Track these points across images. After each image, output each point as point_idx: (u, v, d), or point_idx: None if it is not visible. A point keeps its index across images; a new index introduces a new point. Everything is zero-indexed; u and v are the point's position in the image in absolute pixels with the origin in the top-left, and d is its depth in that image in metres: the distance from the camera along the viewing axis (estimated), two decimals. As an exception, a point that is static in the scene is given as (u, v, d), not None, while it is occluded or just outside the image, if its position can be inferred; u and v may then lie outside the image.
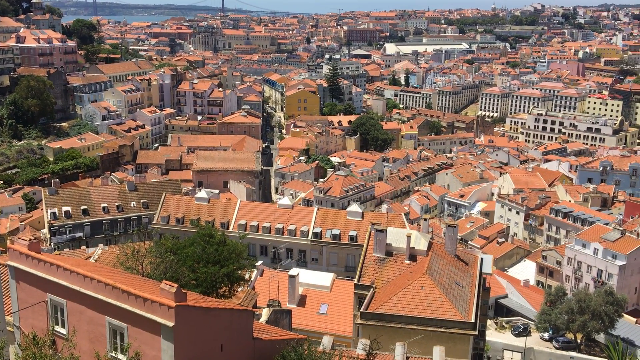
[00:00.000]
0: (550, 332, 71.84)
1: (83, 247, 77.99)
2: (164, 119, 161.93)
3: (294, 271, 52.79)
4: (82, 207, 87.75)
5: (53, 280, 23.44)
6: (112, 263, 41.94)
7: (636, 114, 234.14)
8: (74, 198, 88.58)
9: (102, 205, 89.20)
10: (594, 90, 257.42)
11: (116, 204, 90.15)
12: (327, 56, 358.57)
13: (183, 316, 20.76)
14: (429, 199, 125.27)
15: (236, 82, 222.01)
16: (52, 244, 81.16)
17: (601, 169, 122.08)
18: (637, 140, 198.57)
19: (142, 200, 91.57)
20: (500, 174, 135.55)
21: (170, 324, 20.41)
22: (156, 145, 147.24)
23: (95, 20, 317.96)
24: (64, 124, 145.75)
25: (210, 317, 23.11)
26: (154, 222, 80.00)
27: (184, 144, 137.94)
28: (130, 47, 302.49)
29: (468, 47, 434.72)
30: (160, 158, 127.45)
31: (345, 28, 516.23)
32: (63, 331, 23.71)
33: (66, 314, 23.50)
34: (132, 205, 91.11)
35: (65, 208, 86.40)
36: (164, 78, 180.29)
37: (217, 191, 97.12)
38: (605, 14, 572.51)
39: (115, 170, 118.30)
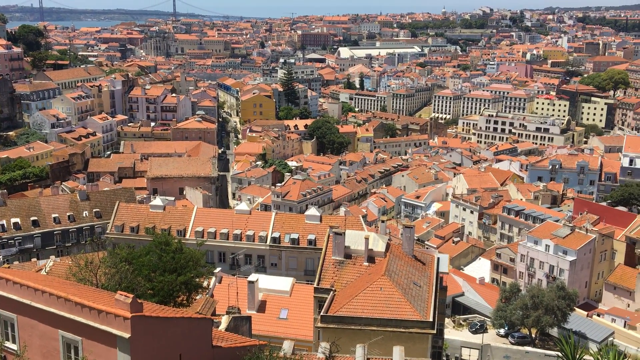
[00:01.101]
0: (506, 328, 73.57)
1: (34, 260, 75.47)
2: (115, 126, 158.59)
3: (253, 277, 52.45)
4: (32, 218, 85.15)
5: (2, 294, 22.64)
6: (64, 275, 40.76)
7: (582, 113, 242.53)
8: (23, 209, 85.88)
9: (53, 215, 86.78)
10: (542, 91, 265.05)
11: (67, 214, 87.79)
12: (281, 60, 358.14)
13: (139, 327, 20.33)
14: (385, 201, 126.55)
15: (190, 88, 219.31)
16: (0, 257, 78.37)
17: (550, 167, 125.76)
18: (584, 139, 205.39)
19: (94, 210, 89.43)
20: (454, 174, 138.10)
21: (127, 335, 19.97)
22: (108, 152, 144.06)
23: (41, 25, 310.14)
24: (11, 133, 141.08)
25: (168, 326, 22.72)
26: (107, 231, 78.25)
27: (137, 151, 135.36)
28: (79, 53, 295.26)
29: (420, 50, 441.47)
30: (112, 166, 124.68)
31: (299, 32, 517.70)
32: (14, 347, 22.91)
33: (17, 329, 22.74)
34: (84, 215, 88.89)
35: (14, 219, 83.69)
36: (115, 84, 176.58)
37: (172, 198, 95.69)
38: (550, 17, 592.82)
39: (65, 180, 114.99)
